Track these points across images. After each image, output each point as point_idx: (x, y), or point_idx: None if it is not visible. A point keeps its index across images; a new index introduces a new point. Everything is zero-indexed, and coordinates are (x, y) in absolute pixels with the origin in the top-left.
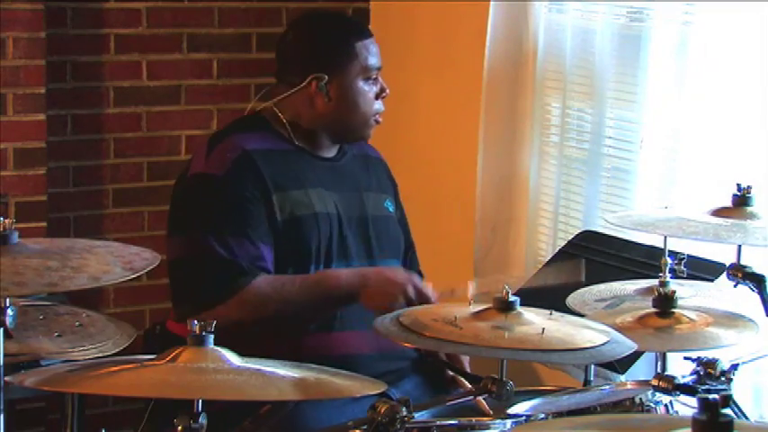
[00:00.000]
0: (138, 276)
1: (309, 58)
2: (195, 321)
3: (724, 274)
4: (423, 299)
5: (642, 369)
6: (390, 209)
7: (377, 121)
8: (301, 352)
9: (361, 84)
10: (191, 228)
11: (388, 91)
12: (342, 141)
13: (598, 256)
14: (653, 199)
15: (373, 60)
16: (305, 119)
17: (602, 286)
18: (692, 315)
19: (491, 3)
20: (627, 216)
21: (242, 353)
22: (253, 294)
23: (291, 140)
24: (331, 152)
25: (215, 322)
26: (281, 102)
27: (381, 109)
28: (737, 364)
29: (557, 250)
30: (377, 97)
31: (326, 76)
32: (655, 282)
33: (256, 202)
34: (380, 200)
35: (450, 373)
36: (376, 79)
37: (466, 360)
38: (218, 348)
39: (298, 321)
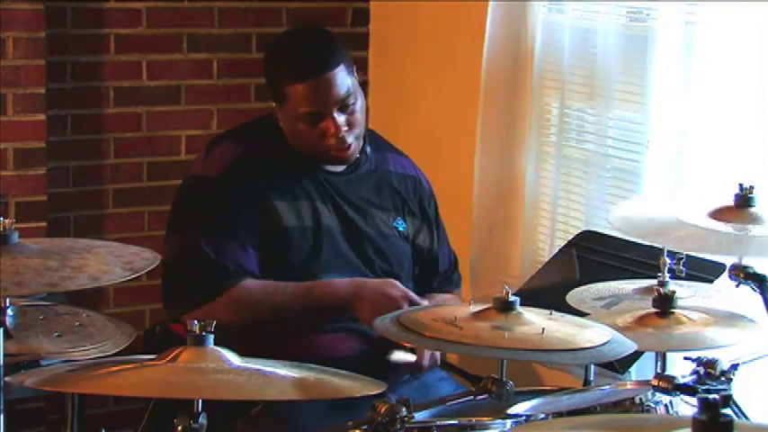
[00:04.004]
0: (138, 276)
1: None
2: (195, 321)
3: (723, 274)
4: None
5: (642, 369)
6: (400, 227)
7: (337, 151)
8: (286, 354)
9: (298, 124)
10: (183, 228)
11: (336, 130)
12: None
13: (598, 255)
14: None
15: (307, 106)
16: None
17: (601, 286)
18: (692, 315)
19: (490, 3)
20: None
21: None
22: (241, 295)
23: (293, 150)
24: (337, 167)
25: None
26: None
27: (335, 144)
28: (737, 364)
29: (556, 250)
30: (322, 138)
31: (275, 105)
32: (654, 282)
33: (248, 207)
34: (388, 218)
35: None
36: (320, 119)
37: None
38: (218, 348)
39: (289, 327)
